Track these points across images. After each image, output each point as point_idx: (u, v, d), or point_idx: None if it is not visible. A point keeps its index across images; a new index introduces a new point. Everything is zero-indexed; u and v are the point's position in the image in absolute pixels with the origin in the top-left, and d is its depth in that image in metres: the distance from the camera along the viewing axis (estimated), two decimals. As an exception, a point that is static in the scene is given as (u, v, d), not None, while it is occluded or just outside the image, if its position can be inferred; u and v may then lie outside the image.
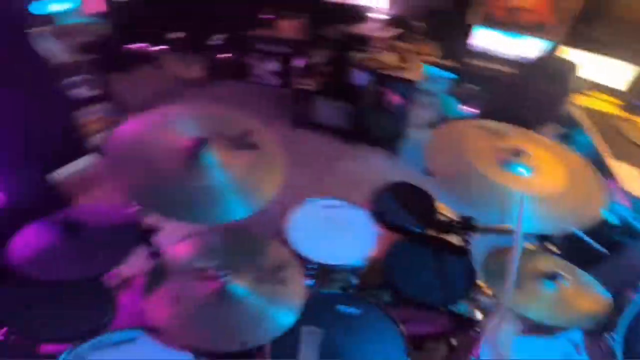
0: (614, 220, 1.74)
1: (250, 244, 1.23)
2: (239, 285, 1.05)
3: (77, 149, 2.53)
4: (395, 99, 3.90)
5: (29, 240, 1.16)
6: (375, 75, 3.28)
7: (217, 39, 4.30)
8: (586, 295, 1.22)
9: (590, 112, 2.85)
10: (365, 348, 1.09)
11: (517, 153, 1.14)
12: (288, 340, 1.04)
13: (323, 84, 3.47)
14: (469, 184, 1.12)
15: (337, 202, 1.53)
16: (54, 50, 2.50)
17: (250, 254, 1.18)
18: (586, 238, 1.38)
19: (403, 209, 1.53)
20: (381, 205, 1.55)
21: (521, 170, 1.13)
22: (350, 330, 1.13)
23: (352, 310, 1.18)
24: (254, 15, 4.19)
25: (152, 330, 1.08)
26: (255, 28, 4.17)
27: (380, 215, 1.49)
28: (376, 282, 1.38)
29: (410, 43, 4.01)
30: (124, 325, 1.12)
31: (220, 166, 0.98)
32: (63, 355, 1.01)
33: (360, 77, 3.34)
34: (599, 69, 3.14)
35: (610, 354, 1.13)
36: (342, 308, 1.18)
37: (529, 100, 2.46)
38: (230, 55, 4.39)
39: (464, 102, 3.85)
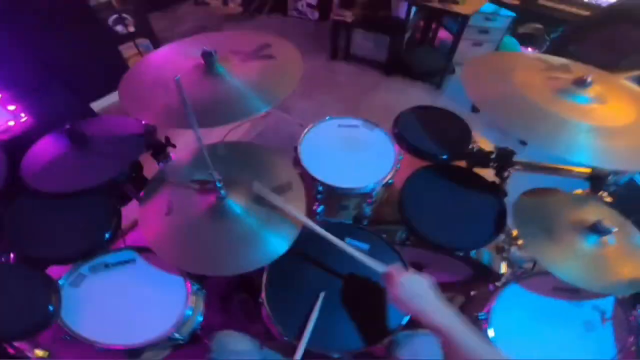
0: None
1: (258, 159, 1.14)
2: (236, 203, 0.98)
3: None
4: (442, 34, 3.50)
5: (38, 154, 1.16)
6: (423, 7, 2.93)
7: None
8: (630, 257, 1.00)
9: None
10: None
11: (581, 82, 0.96)
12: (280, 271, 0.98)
13: (362, 15, 3.18)
14: (517, 110, 0.94)
15: (356, 121, 1.39)
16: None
17: (255, 170, 1.09)
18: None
19: (431, 134, 1.33)
20: (406, 126, 1.35)
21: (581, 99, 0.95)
22: (353, 268, 1.02)
23: (361, 245, 1.08)
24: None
25: (145, 249, 1.07)
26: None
27: (403, 137, 1.31)
28: (392, 216, 1.26)
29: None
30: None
31: (234, 75, 0.94)
32: (62, 279, 1.03)
33: (402, 9, 3.00)
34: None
35: (635, 330, 0.97)
36: (350, 242, 1.09)
37: (609, 44, 2.08)
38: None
39: (526, 44, 3.38)
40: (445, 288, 1.26)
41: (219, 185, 0.92)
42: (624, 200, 1.12)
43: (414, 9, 2.98)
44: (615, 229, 0.97)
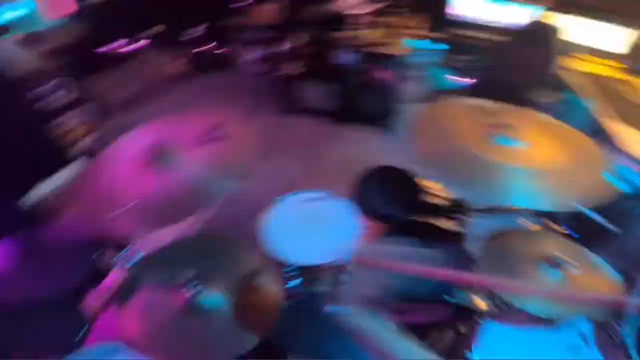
0: (624, 188, 1.61)
1: (222, 249, 1.16)
2: (210, 296, 0.98)
3: (59, 160, 2.42)
4: (384, 75, 3.77)
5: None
6: (360, 53, 3.16)
7: (196, 31, 4.16)
8: (595, 280, 1.09)
9: (587, 76, 2.71)
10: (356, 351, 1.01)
11: (506, 125, 1.08)
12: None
13: (307, 66, 3.35)
14: (457, 163, 1.03)
15: (316, 195, 1.42)
16: (17, 60, 2.37)
17: (222, 260, 1.10)
18: (593, 215, 1.27)
19: (387, 196, 1.44)
20: (363, 193, 1.46)
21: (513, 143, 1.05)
22: (339, 332, 1.05)
23: (341, 310, 1.10)
24: (228, 4, 4.04)
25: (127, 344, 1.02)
26: (232, 17, 4.02)
27: (363, 205, 1.37)
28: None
29: (395, 17, 3.86)
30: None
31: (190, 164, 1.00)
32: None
33: (346, 57, 3.22)
34: (594, 33, 2.91)
35: (622, 345, 1.02)
36: (331, 309, 1.11)
37: (518, 67, 2.35)
38: (211, 46, 4.25)
39: (455, 74, 3.72)
40: (432, 329, 1.31)
41: (195, 285, 0.93)
42: (579, 232, 1.24)
43: (357, 55, 3.20)
44: (567, 259, 1.05)
